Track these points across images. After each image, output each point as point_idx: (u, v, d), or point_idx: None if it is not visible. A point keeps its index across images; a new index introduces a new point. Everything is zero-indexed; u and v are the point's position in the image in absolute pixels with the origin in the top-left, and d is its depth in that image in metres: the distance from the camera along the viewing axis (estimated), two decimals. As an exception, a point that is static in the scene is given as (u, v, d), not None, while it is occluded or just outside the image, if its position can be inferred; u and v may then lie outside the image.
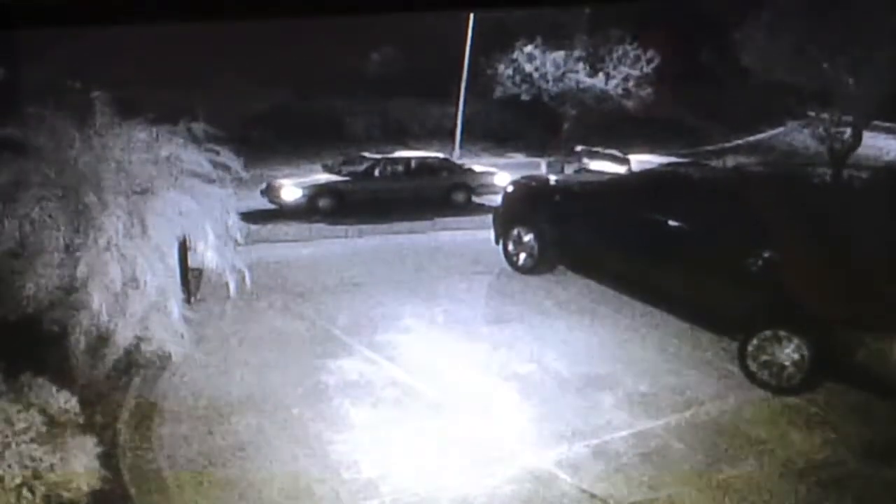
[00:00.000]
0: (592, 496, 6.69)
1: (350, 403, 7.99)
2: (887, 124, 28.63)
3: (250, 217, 10.20)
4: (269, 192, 17.81)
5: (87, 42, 21.09)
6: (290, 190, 17.71)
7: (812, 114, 26.19)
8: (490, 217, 13.67)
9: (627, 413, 8.16)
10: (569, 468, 7.07)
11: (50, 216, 7.35)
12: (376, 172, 19.31)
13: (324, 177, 19.15)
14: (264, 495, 6.36)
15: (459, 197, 20.16)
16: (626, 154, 21.62)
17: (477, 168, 21.56)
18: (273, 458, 6.90)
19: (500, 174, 20.65)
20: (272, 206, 17.61)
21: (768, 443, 7.78)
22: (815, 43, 23.17)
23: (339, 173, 19.29)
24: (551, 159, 24.53)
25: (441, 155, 22.32)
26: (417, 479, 6.74)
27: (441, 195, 19.82)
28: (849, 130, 25.12)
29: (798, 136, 28.86)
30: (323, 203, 17.92)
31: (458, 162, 22.55)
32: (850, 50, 22.75)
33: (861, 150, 25.92)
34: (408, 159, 20.47)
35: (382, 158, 20.08)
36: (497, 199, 14.68)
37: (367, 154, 20.65)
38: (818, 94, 24.93)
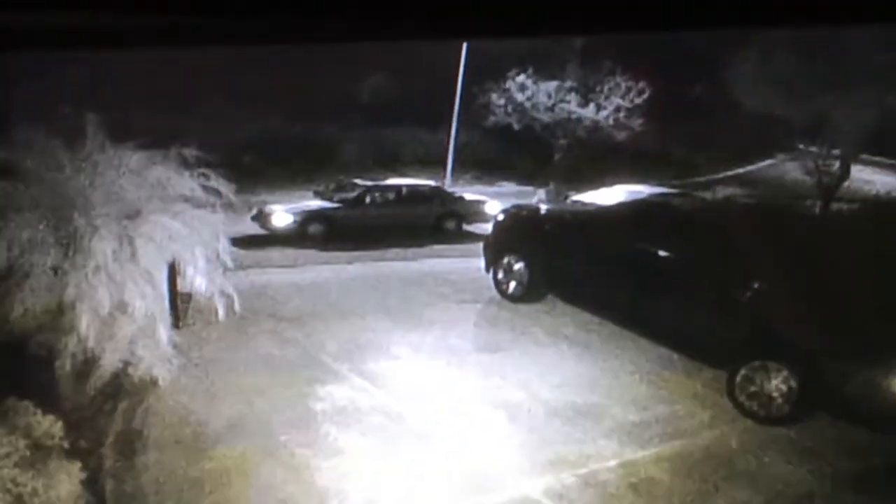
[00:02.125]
0: (580, 526, 6.66)
1: (338, 430, 7.94)
2: (876, 158, 28.89)
3: (241, 242, 10.18)
4: (260, 217, 17.81)
5: (79, 65, 21.16)
6: (281, 216, 17.71)
7: (801, 147, 26.45)
8: (480, 245, 13.71)
9: (616, 443, 8.13)
10: (557, 497, 7.03)
11: (38, 239, 7.32)
12: (367, 199, 19.33)
13: (315, 203, 19.16)
14: (250, 523, 6.32)
15: (450, 225, 20.20)
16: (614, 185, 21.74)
17: (468, 196, 21.63)
18: (260, 485, 6.84)
19: (491, 202, 20.73)
20: (263, 232, 17.60)
21: (757, 474, 7.76)
22: (805, 77, 23.41)
23: (330, 200, 19.32)
24: (548, 188, 24.60)
25: (432, 183, 22.37)
26: (405, 508, 6.70)
27: (432, 223, 19.86)
28: (837, 164, 25.35)
29: (787, 168, 29.07)
30: (314, 229, 17.92)
31: (449, 190, 22.61)
32: (839, 84, 22.98)
33: (849, 184, 26.11)
34: (399, 187, 20.49)
35: (373, 185, 20.12)
36: (487, 228, 14.72)
37: (358, 181, 20.67)
38: (807, 127, 25.19)
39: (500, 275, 12.88)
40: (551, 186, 25.41)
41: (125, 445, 7.33)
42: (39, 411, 6.65)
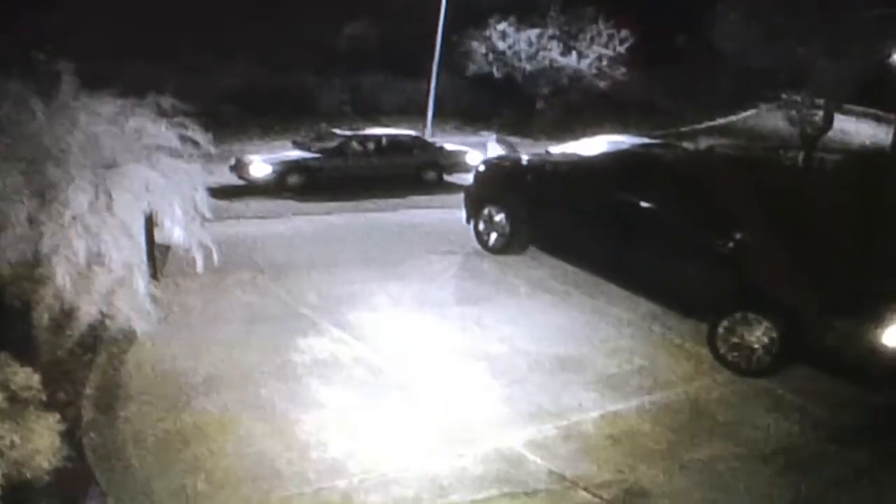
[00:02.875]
0: (562, 477, 6.68)
1: (319, 382, 7.92)
2: (859, 108, 28.92)
3: (219, 193, 10.01)
4: (238, 167, 17.66)
5: (54, 12, 20.76)
6: (259, 166, 17.56)
7: (784, 97, 26.40)
8: (461, 196, 13.63)
9: (597, 394, 8.16)
10: (538, 449, 7.06)
11: (13, 189, 7.18)
12: (347, 149, 19.18)
13: (294, 153, 19.01)
14: (230, 475, 6.28)
15: (430, 175, 20.12)
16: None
17: (448, 146, 21.49)
18: (240, 437, 6.82)
19: (472, 153, 20.62)
20: (241, 183, 17.45)
21: (737, 425, 7.83)
22: (790, 26, 23.31)
23: (309, 150, 19.15)
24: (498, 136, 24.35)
25: (412, 133, 22.19)
26: (385, 459, 6.68)
27: (412, 173, 19.76)
28: (820, 114, 25.33)
29: (770, 118, 29.05)
30: (293, 180, 17.80)
31: (430, 140, 22.45)
32: (824, 34, 22.90)
33: (832, 134, 26.12)
34: (379, 137, 20.37)
35: (353, 135, 19.96)
36: (468, 178, 14.63)
37: (337, 131, 20.49)
38: (791, 77, 25.11)
39: (481, 226, 12.82)
40: (499, 135, 25.28)
41: (104, 398, 7.28)
42: (17, 363, 6.55)
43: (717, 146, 23.69)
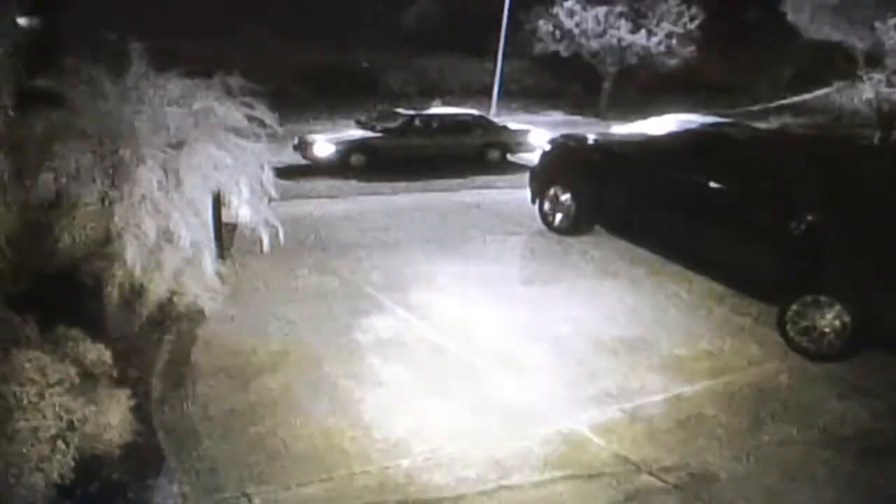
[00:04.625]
0: (626, 460, 6.61)
1: (382, 362, 7.94)
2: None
3: (285, 173, 10.08)
4: (302, 147, 17.78)
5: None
6: (322, 145, 17.67)
7: (860, 74, 25.61)
8: (524, 175, 13.56)
9: (663, 377, 8.05)
10: (602, 431, 6.99)
11: (85, 168, 7.32)
12: (410, 129, 19.18)
13: (357, 133, 19.08)
14: (295, 453, 6.34)
15: (494, 155, 20.03)
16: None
17: (512, 125, 21.38)
18: (304, 415, 6.87)
19: (536, 132, 20.49)
20: (306, 162, 17.57)
21: (807, 410, 7.65)
22: (865, 0, 22.62)
23: (372, 129, 19.20)
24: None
25: (476, 112, 22.10)
26: (449, 440, 6.68)
27: (476, 153, 19.70)
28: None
29: (845, 97, 28.17)
30: (356, 159, 17.86)
31: (494, 119, 22.35)
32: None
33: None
34: (442, 116, 20.33)
35: (417, 115, 19.93)
36: (531, 158, 14.53)
37: (401, 110, 20.49)
38: (867, 53, 24.37)
39: (547, 206, 12.73)
40: (438, 101, 25.01)
41: (173, 374, 7.40)
42: (89, 339, 6.70)
43: (790, 125, 23.14)
